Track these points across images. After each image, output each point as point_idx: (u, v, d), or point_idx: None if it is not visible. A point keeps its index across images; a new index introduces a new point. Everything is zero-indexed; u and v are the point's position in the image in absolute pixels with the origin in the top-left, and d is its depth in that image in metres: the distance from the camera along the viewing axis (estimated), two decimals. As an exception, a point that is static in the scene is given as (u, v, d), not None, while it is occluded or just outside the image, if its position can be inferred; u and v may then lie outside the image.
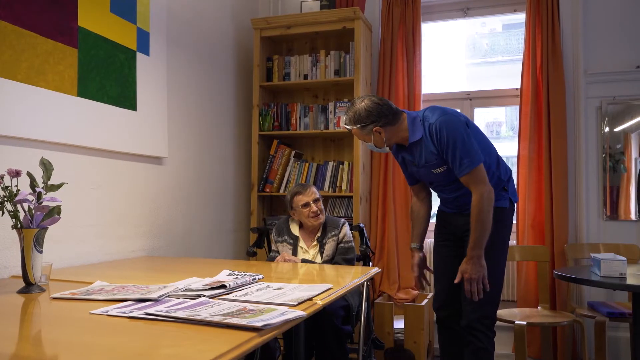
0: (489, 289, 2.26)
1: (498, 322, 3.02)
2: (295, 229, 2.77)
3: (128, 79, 2.64)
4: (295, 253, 2.70)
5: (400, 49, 3.65)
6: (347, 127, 2.35)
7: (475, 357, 2.33)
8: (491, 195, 2.22)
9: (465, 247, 2.40)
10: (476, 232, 2.22)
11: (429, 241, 3.69)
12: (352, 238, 2.75)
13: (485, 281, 2.25)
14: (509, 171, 2.44)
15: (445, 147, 2.22)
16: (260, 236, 2.93)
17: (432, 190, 2.58)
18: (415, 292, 3.55)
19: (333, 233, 2.70)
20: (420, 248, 2.58)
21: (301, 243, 2.73)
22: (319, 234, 2.71)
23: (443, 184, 2.39)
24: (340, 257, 2.66)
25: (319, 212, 2.69)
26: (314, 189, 2.74)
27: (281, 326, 1.21)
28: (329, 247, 2.67)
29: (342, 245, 2.70)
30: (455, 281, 2.29)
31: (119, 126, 2.57)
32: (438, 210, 2.61)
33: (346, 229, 2.73)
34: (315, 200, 2.70)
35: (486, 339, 2.33)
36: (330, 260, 2.65)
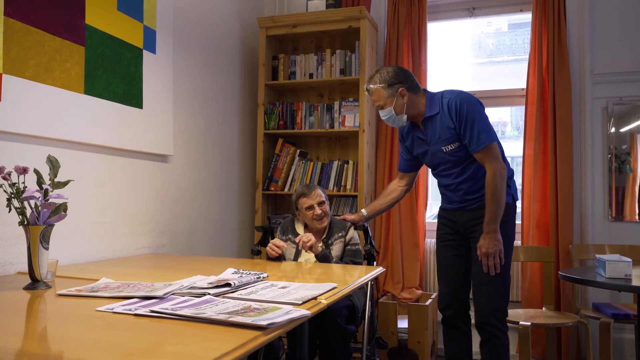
0: (504, 262, 2.31)
1: (502, 323, 3.03)
2: (300, 229, 2.77)
3: (134, 77, 2.65)
4: (298, 253, 2.70)
5: (406, 48, 3.65)
6: (371, 87, 2.38)
7: (494, 354, 2.35)
8: (504, 172, 2.29)
9: (471, 245, 2.42)
10: (491, 207, 2.27)
11: (431, 241, 3.69)
12: (358, 241, 2.75)
13: (502, 255, 2.30)
14: (511, 169, 2.46)
15: (464, 120, 2.28)
16: (264, 235, 2.93)
17: (433, 185, 2.62)
18: (419, 291, 3.55)
19: (340, 234, 2.70)
20: (367, 218, 2.69)
21: (305, 242, 2.73)
22: (324, 236, 2.71)
23: (449, 165, 2.41)
24: (350, 258, 2.65)
25: (322, 215, 2.67)
26: (319, 191, 2.72)
27: (286, 325, 1.21)
28: (337, 247, 2.67)
29: (349, 247, 2.69)
30: (480, 259, 2.31)
31: (125, 124, 2.58)
32: (440, 210, 2.62)
33: (353, 231, 2.73)
34: (320, 203, 2.68)
35: (502, 335, 2.36)
36: (338, 262, 2.65)
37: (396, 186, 2.71)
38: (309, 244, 2.46)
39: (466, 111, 2.28)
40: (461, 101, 2.30)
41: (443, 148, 2.38)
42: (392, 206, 2.79)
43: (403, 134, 2.58)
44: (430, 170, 2.61)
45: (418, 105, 2.39)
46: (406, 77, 2.38)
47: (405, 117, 2.40)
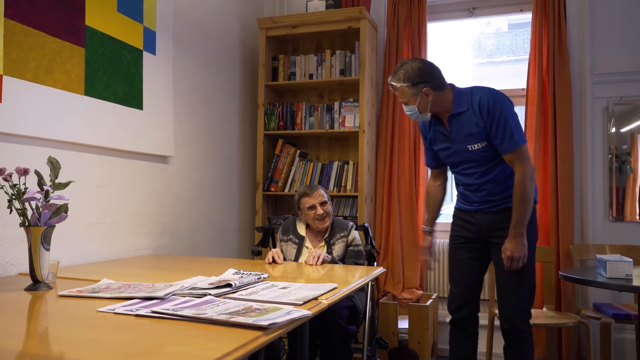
0: (528, 265, 2.26)
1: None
2: (302, 229, 2.77)
3: (134, 78, 2.66)
4: (299, 253, 2.70)
5: (406, 48, 3.65)
6: (395, 84, 2.30)
7: (522, 357, 2.31)
8: (534, 176, 2.24)
9: (492, 250, 2.37)
10: (519, 210, 2.21)
11: (435, 241, 3.69)
12: (360, 242, 2.75)
13: (525, 260, 2.24)
14: None
15: (496, 120, 2.20)
16: (265, 235, 2.93)
17: (451, 184, 2.55)
18: (420, 292, 3.55)
19: (342, 234, 2.70)
20: (432, 232, 2.58)
21: (307, 243, 2.73)
22: (326, 235, 2.71)
23: (473, 165, 2.33)
24: (352, 259, 2.65)
25: (324, 215, 2.68)
26: (321, 191, 2.72)
27: (287, 325, 1.21)
28: (338, 247, 2.67)
29: (351, 248, 2.69)
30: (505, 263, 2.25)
31: (126, 125, 2.58)
32: (456, 210, 2.54)
33: (355, 232, 2.74)
34: (322, 203, 2.69)
35: (530, 338, 2.33)
36: (340, 262, 2.65)
37: (436, 189, 2.59)
38: (319, 260, 2.41)
39: (499, 111, 2.20)
40: (494, 100, 2.23)
41: (469, 147, 2.29)
42: (442, 205, 2.68)
43: (425, 126, 2.48)
44: (449, 168, 2.53)
45: (444, 102, 2.30)
46: (431, 75, 2.27)
47: (429, 114, 2.32)
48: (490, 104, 2.22)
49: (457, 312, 2.47)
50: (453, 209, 2.56)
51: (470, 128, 2.27)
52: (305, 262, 2.42)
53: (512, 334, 2.32)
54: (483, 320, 3.47)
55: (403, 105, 2.36)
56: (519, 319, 2.31)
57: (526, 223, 2.23)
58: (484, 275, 2.50)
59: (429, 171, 2.64)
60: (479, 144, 2.28)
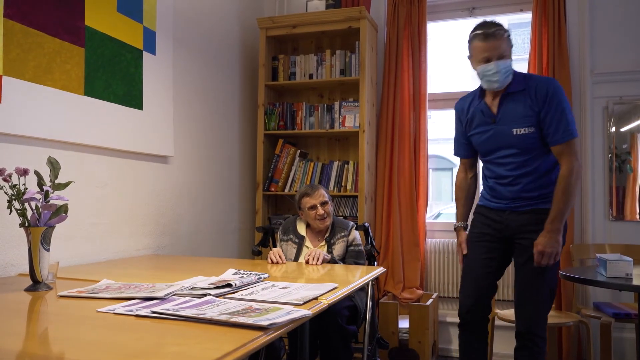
0: (555, 260, 2.16)
1: (503, 323, 3.03)
2: (302, 229, 2.77)
3: (134, 78, 2.65)
4: (299, 252, 2.70)
5: (406, 48, 3.65)
6: (499, 32, 2.14)
7: None
8: (581, 173, 2.19)
9: (515, 250, 2.27)
10: (560, 204, 2.12)
11: (435, 241, 3.69)
12: (361, 242, 2.75)
13: (557, 258, 2.14)
14: None
15: (553, 108, 2.12)
16: (265, 235, 2.93)
17: (480, 177, 2.41)
18: (420, 291, 3.55)
19: (342, 234, 2.70)
20: (466, 227, 2.45)
21: (307, 242, 2.73)
22: (327, 235, 2.72)
23: (513, 152, 2.21)
24: (352, 259, 2.66)
25: (325, 215, 2.68)
26: (322, 191, 2.73)
27: (287, 325, 1.21)
28: (339, 247, 2.67)
29: (352, 248, 2.70)
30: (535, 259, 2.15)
31: (125, 125, 2.58)
32: (480, 207, 2.41)
33: (355, 232, 2.74)
34: (323, 203, 2.69)
35: (543, 343, 2.23)
36: (340, 261, 2.65)
37: (467, 183, 2.47)
38: (319, 260, 2.42)
39: (557, 99, 2.12)
40: (554, 88, 2.14)
41: (514, 130, 2.17)
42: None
43: (463, 107, 2.36)
44: (480, 156, 2.38)
45: None
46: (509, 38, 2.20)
47: (510, 77, 2.19)
48: (550, 90, 2.14)
49: (469, 314, 2.34)
50: (476, 206, 2.45)
51: (523, 110, 2.16)
52: (306, 262, 2.42)
53: (526, 337, 2.22)
54: (483, 319, 3.47)
55: (496, 62, 2.14)
56: (536, 323, 2.21)
57: (564, 220, 2.14)
58: (500, 278, 2.39)
59: (457, 163, 2.49)
60: (526, 129, 2.16)
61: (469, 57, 2.28)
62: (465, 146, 2.41)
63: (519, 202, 2.24)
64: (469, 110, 2.34)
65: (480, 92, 2.32)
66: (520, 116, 2.17)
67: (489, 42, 2.15)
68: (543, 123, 2.16)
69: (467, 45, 2.29)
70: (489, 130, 2.25)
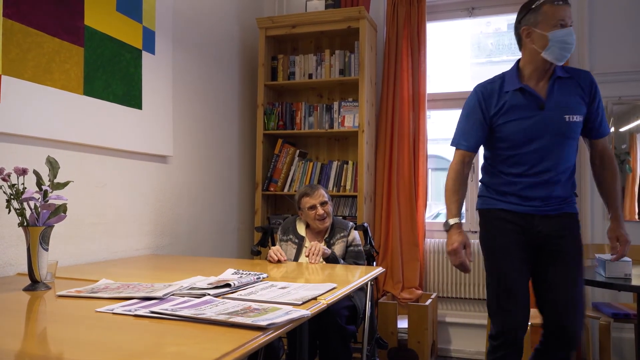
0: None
1: (502, 323, 3.02)
2: (301, 229, 2.77)
3: (134, 78, 2.65)
4: (299, 253, 2.70)
5: (405, 48, 3.65)
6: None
7: None
8: None
9: (546, 258, 2.08)
10: (619, 192, 2.14)
11: (434, 241, 3.69)
12: (360, 242, 2.75)
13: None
14: None
15: (598, 100, 2.09)
16: (264, 235, 2.93)
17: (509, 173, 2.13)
18: (419, 291, 3.55)
19: (342, 234, 2.70)
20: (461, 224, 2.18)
21: (307, 243, 2.73)
22: (326, 235, 2.72)
23: (559, 141, 2.04)
24: (352, 260, 2.66)
25: (325, 215, 2.68)
26: (322, 191, 2.73)
27: (286, 325, 1.21)
28: (338, 247, 2.67)
29: (351, 248, 2.69)
30: (615, 253, 2.10)
31: (125, 125, 2.58)
32: (502, 212, 2.12)
33: (355, 233, 2.74)
34: (323, 204, 2.69)
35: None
36: (342, 259, 2.65)
37: (465, 178, 2.20)
38: (319, 255, 2.41)
39: (599, 92, 2.10)
40: (594, 80, 2.11)
41: (567, 117, 2.02)
42: None
43: (489, 92, 2.13)
44: (507, 149, 2.11)
45: None
46: None
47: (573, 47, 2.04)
48: (594, 82, 2.10)
49: (518, 332, 2.08)
50: (498, 210, 2.14)
51: (574, 97, 2.05)
52: (307, 258, 2.42)
53: (572, 346, 2.02)
54: (482, 319, 3.48)
55: (570, 28, 2.01)
56: (580, 324, 2.04)
57: None
58: None
59: (454, 158, 2.22)
60: (577, 117, 2.04)
61: (530, 25, 2.05)
62: (478, 137, 2.16)
63: (550, 205, 2.08)
64: (503, 95, 2.09)
65: (518, 75, 2.11)
66: (574, 103, 2.05)
67: (565, 6, 2.00)
68: (590, 115, 2.08)
69: (523, 14, 2.09)
70: (533, 117, 2.04)
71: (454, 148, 2.22)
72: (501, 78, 2.16)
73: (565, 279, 2.05)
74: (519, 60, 2.16)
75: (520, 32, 2.10)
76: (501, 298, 2.09)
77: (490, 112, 2.12)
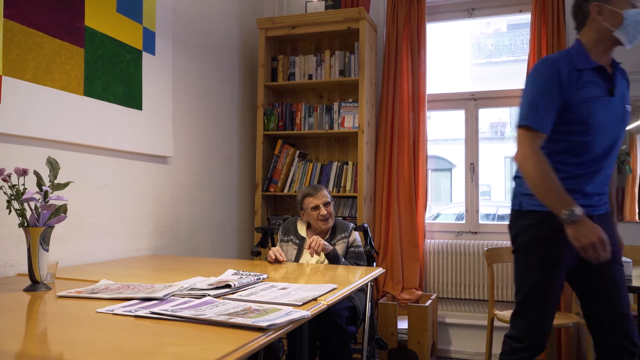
0: None
1: (503, 324, 3.02)
2: (302, 230, 2.77)
3: (134, 79, 2.66)
4: (300, 253, 2.70)
5: (405, 49, 3.65)
6: None
7: None
8: None
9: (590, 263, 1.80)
10: (613, 195, 2.05)
11: (434, 242, 3.69)
12: (361, 243, 2.75)
13: None
14: None
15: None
16: (264, 236, 2.93)
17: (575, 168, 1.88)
18: (419, 292, 3.55)
19: (343, 235, 2.70)
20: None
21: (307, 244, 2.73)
22: (327, 236, 2.71)
23: (621, 130, 1.91)
24: (353, 261, 2.65)
25: (328, 216, 2.68)
26: (325, 192, 2.72)
27: (286, 326, 1.21)
28: (339, 248, 2.67)
29: (352, 249, 2.69)
30: None
31: (125, 125, 2.58)
32: (549, 214, 1.78)
33: (356, 234, 2.74)
34: (326, 204, 2.69)
35: None
36: (342, 258, 2.65)
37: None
38: (319, 248, 2.42)
39: None
40: None
41: (627, 106, 1.91)
42: None
43: (573, 68, 1.84)
44: (579, 135, 1.84)
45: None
46: None
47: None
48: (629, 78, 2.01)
49: (546, 337, 1.96)
50: (543, 212, 1.82)
51: (625, 89, 1.95)
52: (308, 258, 2.42)
53: (633, 347, 1.89)
54: (482, 320, 3.48)
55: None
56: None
57: None
58: None
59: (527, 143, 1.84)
60: (629, 106, 1.95)
61: (601, 2, 1.86)
62: (553, 119, 1.83)
63: (603, 200, 1.91)
64: (578, 73, 1.83)
65: (589, 53, 1.89)
66: (627, 94, 1.94)
67: None
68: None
69: None
70: (606, 101, 1.85)
71: (522, 129, 1.81)
72: (569, 54, 1.89)
73: (623, 280, 1.93)
74: (578, 40, 1.93)
75: (590, 9, 1.88)
76: (538, 306, 1.92)
77: (569, 88, 1.82)
